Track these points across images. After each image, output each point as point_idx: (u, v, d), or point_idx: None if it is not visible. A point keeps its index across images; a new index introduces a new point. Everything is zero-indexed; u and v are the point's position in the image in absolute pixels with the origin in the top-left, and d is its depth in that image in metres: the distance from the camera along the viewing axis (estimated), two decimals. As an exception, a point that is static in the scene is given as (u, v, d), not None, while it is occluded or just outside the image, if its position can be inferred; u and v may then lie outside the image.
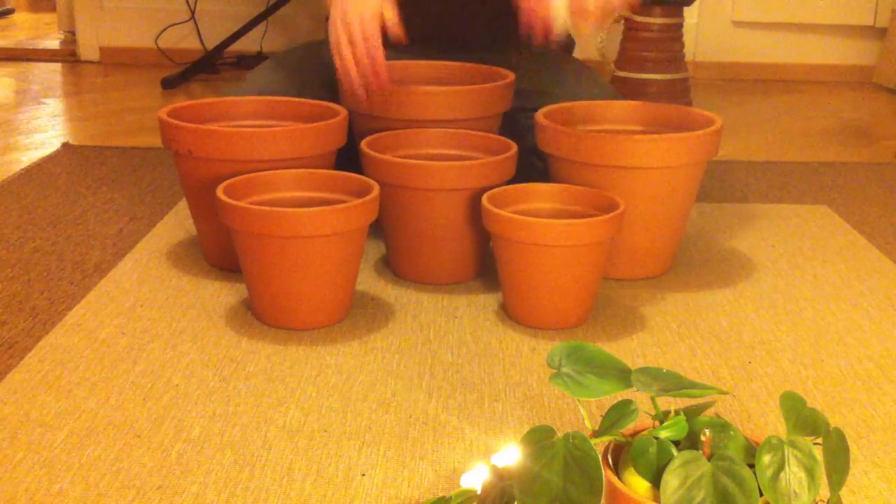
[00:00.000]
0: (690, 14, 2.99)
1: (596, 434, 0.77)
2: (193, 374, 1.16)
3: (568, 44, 1.89)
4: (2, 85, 2.93)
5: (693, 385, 0.77)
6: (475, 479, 0.84)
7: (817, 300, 1.41)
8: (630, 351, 1.25)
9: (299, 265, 1.23)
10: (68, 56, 3.27)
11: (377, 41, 1.40)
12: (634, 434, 0.77)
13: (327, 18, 1.70)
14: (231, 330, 1.27)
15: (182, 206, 1.73)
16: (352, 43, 1.40)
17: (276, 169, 1.36)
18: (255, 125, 1.53)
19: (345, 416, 1.07)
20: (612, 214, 1.27)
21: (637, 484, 0.74)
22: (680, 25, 2.45)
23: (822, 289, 1.45)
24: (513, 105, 1.59)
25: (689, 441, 0.76)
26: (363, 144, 1.42)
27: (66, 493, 0.93)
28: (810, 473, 0.70)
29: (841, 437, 0.75)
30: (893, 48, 3.05)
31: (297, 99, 1.55)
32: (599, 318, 1.34)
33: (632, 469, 0.74)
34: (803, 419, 0.76)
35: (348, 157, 1.49)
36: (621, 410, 0.77)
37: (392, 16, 1.41)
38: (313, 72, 1.64)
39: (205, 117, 1.50)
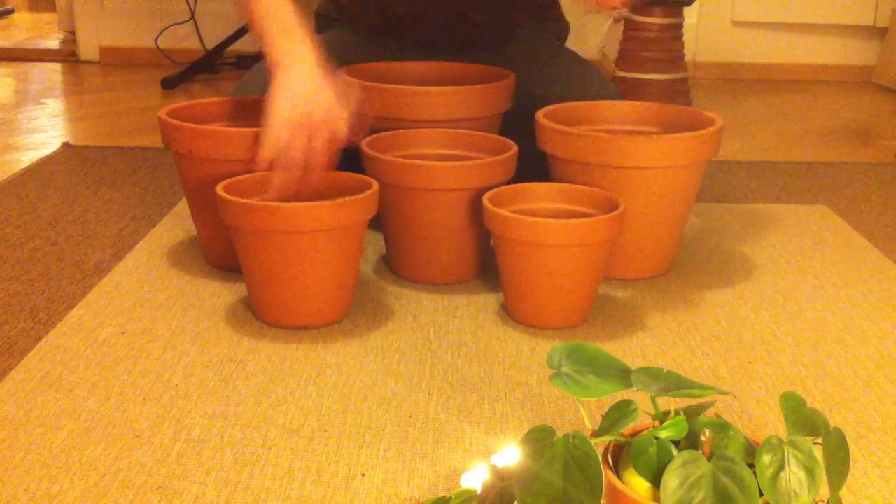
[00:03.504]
0: (690, 14, 2.99)
1: (596, 434, 0.77)
2: (193, 374, 1.16)
3: (560, 32, 1.88)
4: (2, 85, 2.93)
5: (693, 385, 0.77)
6: (475, 479, 0.84)
7: (817, 300, 1.41)
8: (630, 351, 1.25)
9: (299, 262, 1.23)
10: (68, 56, 3.27)
11: (326, 138, 1.27)
12: (634, 434, 0.77)
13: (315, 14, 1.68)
14: (231, 330, 1.27)
15: (182, 206, 1.73)
16: (310, 140, 1.25)
17: (276, 169, 1.36)
18: (255, 125, 1.52)
19: (345, 416, 1.07)
20: (612, 214, 1.27)
21: (637, 484, 0.74)
22: (680, 25, 2.45)
23: (822, 289, 1.45)
24: (515, 108, 1.59)
25: (689, 441, 0.76)
26: (363, 144, 1.42)
27: (66, 493, 0.93)
28: (810, 473, 0.70)
29: (841, 437, 0.75)
30: (893, 48, 3.04)
31: (297, 99, 1.55)
32: (599, 318, 1.34)
33: (632, 469, 0.74)
34: (803, 419, 0.75)
35: (348, 158, 1.49)
36: (621, 410, 0.77)
37: (343, 128, 1.28)
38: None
39: (205, 117, 1.50)
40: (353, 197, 1.25)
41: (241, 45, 3.03)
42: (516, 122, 1.61)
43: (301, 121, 1.25)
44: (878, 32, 3.14)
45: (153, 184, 1.88)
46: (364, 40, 1.77)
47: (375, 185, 1.29)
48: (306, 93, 1.26)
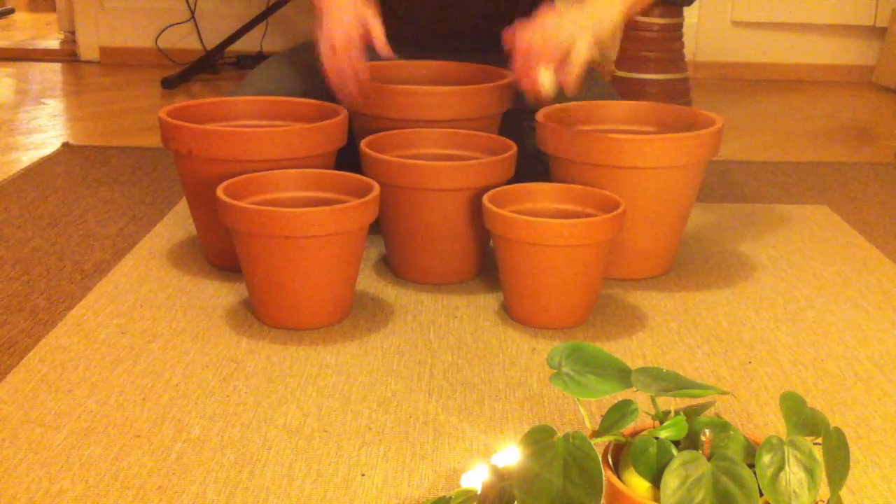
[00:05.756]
0: (690, 14, 2.99)
1: (596, 434, 0.77)
2: (193, 374, 1.16)
3: None
4: (2, 85, 2.93)
5: (693, 385, 0.77)
6: (475, 479, 0.84)
7: (817, 300, 1.41)
8: (630, 351, 1.25)
9: (299, 265, 1.23)
10: (68, 56, 3.27)
11: (357, 51, 1.42)
12: (634, 434, 0.77)
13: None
14: (231, 330, 1.27)
15: (182, 206, 1.73)
16: (333, 52, 1.42)
17: (276, 169, 1.36)
18: (255, 125, 1.53)
19: (345, 416, 1.07)
20: (612, 214, 1.27)
21: (637, 484, 0.74)
22: (680, 25, 2.45)
23: (822, 289, 1.45)
24: (513, 107, 1.59)
25: (689, 441, 0.76)
26: (363, 144, 1.42)
27: (66, 493, 0.93)
28: (810, 473, 0.70)
29: (841, 437, 0.75)
30: (893, 48, 3.05)
31: (297, 99, 1.55)
32: (599, 318, 1.34)
33: (632, 469, 0.74)
34: (803, 419, 0.75)
35: (348, 158, 1.49)
36: (621, 410, 0.77)
37: (378, 31, 1.43)
38: (312, 72, 1.64)
39: (205, 117, 1.50)
40: (354, 203, 1.25)
41: (241, 45, 3.03)
42: (517, 124, 1.61)
43: (338, 44, 1.42)
44: (878, 32, 3.14)
45: (153, 184, 1.88)
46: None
47: (376, 189, 1.29)
48: (336, 19, 1.43)
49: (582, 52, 1.30)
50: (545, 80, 1.29)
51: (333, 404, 1.10)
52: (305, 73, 1.65)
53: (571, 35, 1.29)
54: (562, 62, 1.30)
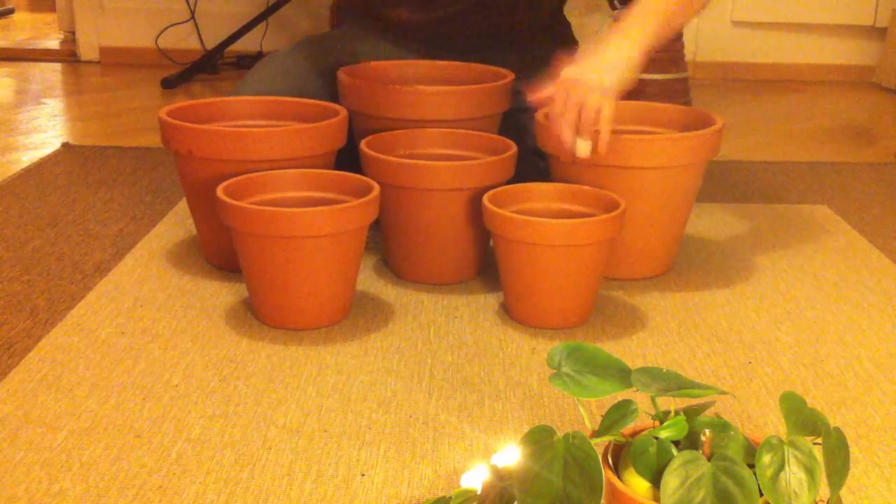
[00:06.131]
0: (690, 14, 2.98)
1: (596, 434, 0.77)
2: (193, 374, 1.16)
3: (571, 44, 1.89)
4: (2, 85, 2.93)
5: (693, 385, 0.77)
6: (475, 479, 0.84)
7: (817, 300, 1.41)
8: (630, 351, 1.25)
9: (299, 265, 1.23)
10: (68, 56, 3.27)
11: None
12: (634, 434, 0.77)
13: (333, 7, 1.68)
14: (231, 330, 1.27)
15: (182, 206, 1.73)
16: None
17: (276, 169, 1.36)
18: (255, 125, 1.53)
19: (345, 416, 1.07)
20: (612, 214, 1.27)
21: (637, 484, 0.74)
22: (680, 25, 2.45)
23: (822, 289, 1.45)
24: (513, 105, 1.59)
25: (689, 441, 0.76)
26: (363, 144, 1.42)
27: (66, 493, 0.93)
28: (810, 473, 0.70)
29: (841, 437, 0.75)
30: (893, 48, 3.05)
31: (297, 99, 1.55)
32: (599, 318, 1.34)
33: (632, 469, 0.74)
34: (803, 419, 0.76)
35: (348, 158, 1.49)
36: (621, 410, 0.77)
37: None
38: (312, 70, 1.64)
39: (205, 117, 1.50)
40: (354, 203, 1.25)
41: (241, 45, 3.03)
42: (517, 122, 1.61)
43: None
44: (878, 32, 3.15)
45: (153, 184, 1.88)
46: (376, 37, 1.77)
47: (376, 189, 1.29)
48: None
49: (609, 116, 1.29)
50: (582, 148, 1.31)
51: (333, 404, 1.10)
52: (305, 71, 1.65)
53: (598, 101, 1.28)
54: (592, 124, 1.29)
